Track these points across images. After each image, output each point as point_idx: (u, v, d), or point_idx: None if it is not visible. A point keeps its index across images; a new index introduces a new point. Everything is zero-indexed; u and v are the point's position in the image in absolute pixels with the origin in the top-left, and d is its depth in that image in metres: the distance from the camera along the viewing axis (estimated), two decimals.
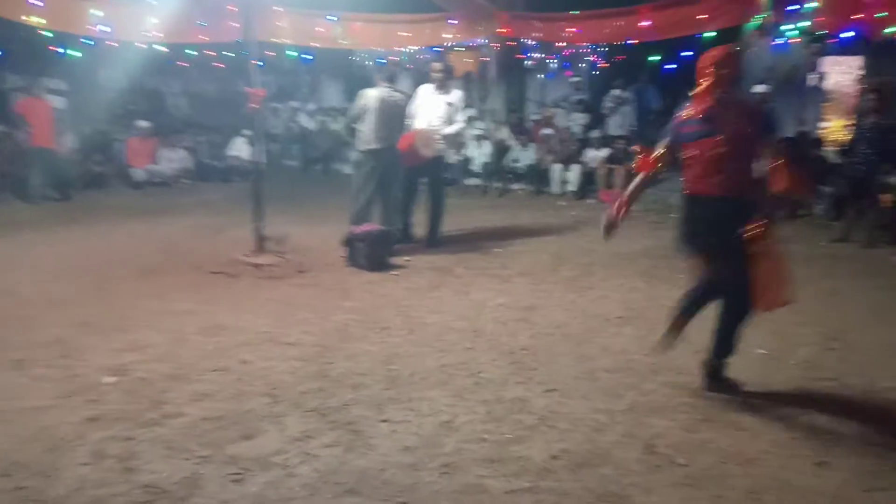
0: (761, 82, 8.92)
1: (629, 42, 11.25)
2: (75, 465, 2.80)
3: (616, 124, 10.64)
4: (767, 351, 4.13)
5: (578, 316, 4.78)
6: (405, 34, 11.14)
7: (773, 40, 9.54)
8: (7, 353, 3.93)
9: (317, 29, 10.83)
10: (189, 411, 3.29)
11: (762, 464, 2.92)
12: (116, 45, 11.10)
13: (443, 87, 6.88)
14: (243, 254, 6.18)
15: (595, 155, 10.10)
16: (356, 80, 14.06)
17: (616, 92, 10.72)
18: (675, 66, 12.19)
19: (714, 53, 3.42)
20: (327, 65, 14.91)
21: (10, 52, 12.02)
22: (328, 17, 10.60)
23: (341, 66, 15.23)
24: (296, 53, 12.43)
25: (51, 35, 9.82)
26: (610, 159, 9.90)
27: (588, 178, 10.09)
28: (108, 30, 9.50)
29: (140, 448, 2.95)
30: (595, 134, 10.44)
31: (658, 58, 11.98)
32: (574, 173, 10.14)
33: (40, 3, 8.62)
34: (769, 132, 3.34)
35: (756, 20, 8.86)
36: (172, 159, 11.50)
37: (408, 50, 12.67)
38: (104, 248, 6.81)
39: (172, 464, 2.84)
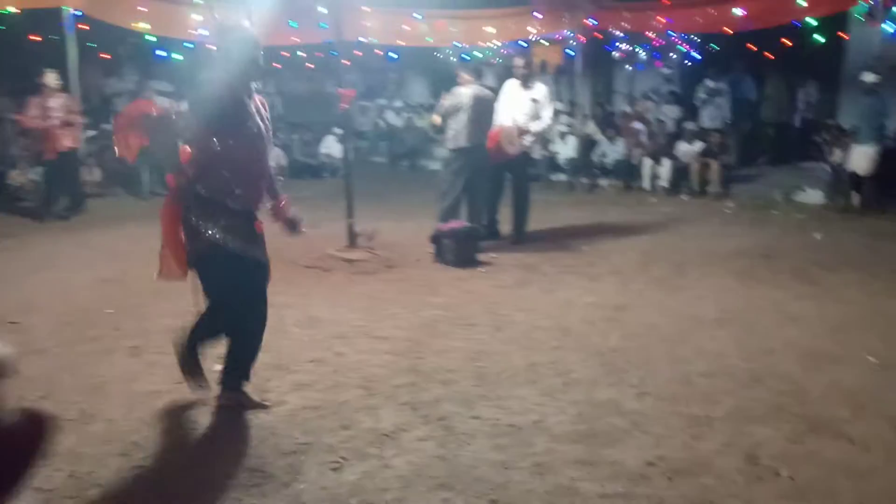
0: (870, 70, 8.35)
1: (724, 31, 10.80)
2: (189, 448, 2.99)
3: (710, 116, 10.24)
4: (878, 360, 3.89)
5: (671, 317, 4.66)
6: (489, 29, 11.13)
7: (883, 26, 8.90)
8: (125, 340, 4.23)
9: (403, 27, 10.99)
10: (290, 399, 3.44)
11: (874, 478, 2.76)
12: (215, 48, 11.64)
13: (527, 82, 6.84)
14: (335, 249, 6.36)
15: (688, 149, 9.77)
16: (441, 76, 14.19)
17: (709, 83, 10.31)
18: (772, 55, 11.62)
19: None
20: (413, 62, 15.10)
21: (117, 57, 12.83)
22: (414, 14, 10.72)
23: (427, 63, 15.38)
24: (382, 52, 12.66)
25: (155, 39, 10.41)
26: (704, 153, 9.55)
27: (681, 173, 9.77)
28: (207, 33, 9.98)
29: (247, 433, 3.12)
30: (689, 127, 10.08)
31: (754, 47, 11.45)
32: (665, 168, 9.84)
33: (145, 9, 9.16)
34: None
35: (863, 5, 8.30)
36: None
37: (492, 45, 12.65)
38: None
39: (276, 449, 2.98)
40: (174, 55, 11.83)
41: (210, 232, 3.01)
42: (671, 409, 3.33)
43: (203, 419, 3.25)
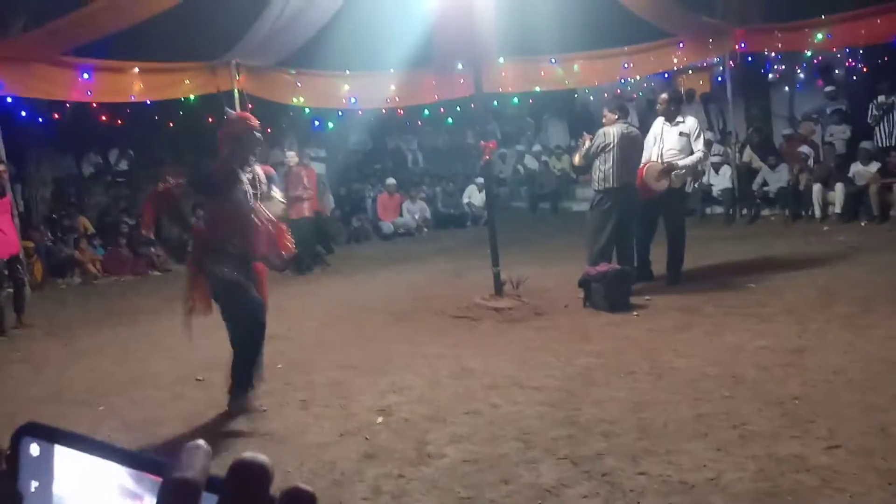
0: None
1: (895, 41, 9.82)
2: (357, 500, 3.06)
3: (886, 134, 9.26)
4: None
5: (860, 360, 4.15)
6: (629, 65, 10.93)
7: None
8: (294, 393, 4.49)
9: (540, 73, 11.09)
10: (449, 452, 3.44)
11: None
12: (361, 113, 12.47)
13: (672, 116, 6.59)
14: (482, 297, 6.40)
15: (864, 170, 8.87)
16: (578, 118, 14.11)
17: (882, 98, 9.36)
18: None
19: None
20: (550, 105, 15.17)
21: (279, 129, 14.12)
22: (551, 60, 10.79)
23: (563, 106, 15.40)
24: (517, 100, 12.86)
25: (308, 111, 11.36)
26: (883, 174, 8.62)
27: (856, 198, 8.87)
28: (355, 100, 10.72)
29: (410, 486, 3.15)
30: (864, 146, 9.17)
31: None
32: (838, 193, 8.97)
33: (300, 84, 10.05)
34: None
35: None
36: (414, 210, 12.46)
37: (632, 80, 12.40)
38: (361, 295, 7.53)
39: (440, 503, 2.97)
40: (328, 123, 12.81)
41: (221, 271, 3.89)
42: (866, 464, 2.95)
43: (369, 471, 3.34)
